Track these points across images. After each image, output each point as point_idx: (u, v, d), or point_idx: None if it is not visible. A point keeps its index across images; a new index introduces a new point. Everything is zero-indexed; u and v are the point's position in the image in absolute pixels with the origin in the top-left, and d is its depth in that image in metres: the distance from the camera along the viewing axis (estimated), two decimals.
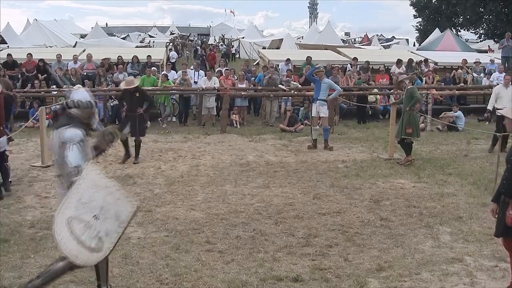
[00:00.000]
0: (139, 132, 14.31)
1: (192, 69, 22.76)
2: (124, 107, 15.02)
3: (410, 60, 24.17)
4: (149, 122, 19.74)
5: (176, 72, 24.28)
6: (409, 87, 14.07)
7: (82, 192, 5.82)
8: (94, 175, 6.00)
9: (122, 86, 15.06)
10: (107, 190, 6.00)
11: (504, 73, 22.18)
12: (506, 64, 25.41)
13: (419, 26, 68.05)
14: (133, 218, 6.39)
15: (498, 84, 21.32)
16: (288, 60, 24.10)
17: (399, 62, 23.53)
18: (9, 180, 11.57)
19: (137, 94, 14.31)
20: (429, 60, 25.30)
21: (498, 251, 8.04)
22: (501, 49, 26.62)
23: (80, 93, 6.64)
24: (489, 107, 15.55)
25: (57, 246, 5.59)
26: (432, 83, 23.01)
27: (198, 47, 55.07)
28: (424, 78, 23.05)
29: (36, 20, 43.88)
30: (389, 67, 24.42)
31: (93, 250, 5.74)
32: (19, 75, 22.15)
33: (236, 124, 20.11)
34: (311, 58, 23.10)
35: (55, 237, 5.54)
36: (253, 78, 22.67)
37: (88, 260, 5.77)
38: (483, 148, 15.57)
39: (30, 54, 23.25)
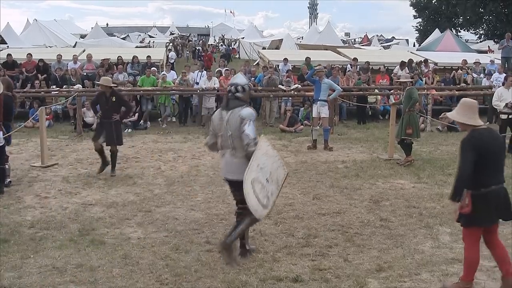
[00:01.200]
0: (115, 141, 12.96)
1: (196, 71, 22.79)
2: (98, 112, 13.18)
3: (410, 61, 24.16)
4: (149, 123, 19.81)
5: (176, 73, 24.24)
6: (408, 87, 14.09)
7: (259, 158, 7.23)
8: (265, 146, 7.52)
9: (99, 83, 13.50)
10: (273, 158, 7.54)
11: (504, 74, 22.23)
12: (506, 65, 25.43)
13: (419, 27, 68.10)
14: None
15: (497, 85, 21.42)
16: (286, 60, 24.10)
17: (403, 64, 23.47)
18: (9, 180, 11.58)
19: (114, 99, 12.84)
20: (429, 61, 25.30)
21: None
22: (501, 50, 26.65)
23: (241, 79, 8.16)
24: (499, 106, 15.20)
25: (247, 201, 6.89)
26: (432, 83, 23.02)
27: (199, 48, 55.02)
28: (424, 79, 23.04)
29: (36, 20, 43.88)
30: (389, 67, 24.44)
31: (265, 206, 7.11)
32: (19, 75, 22.15)
33: None
34: (310, 59, 23.15)
35: (246, 195, 6.89)
36: (252, 78, 22.64)
37: (262, 214, 7.14)
38: None
39: (30, 54, 23.25)
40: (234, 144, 7.60)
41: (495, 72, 22.97)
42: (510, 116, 14.45)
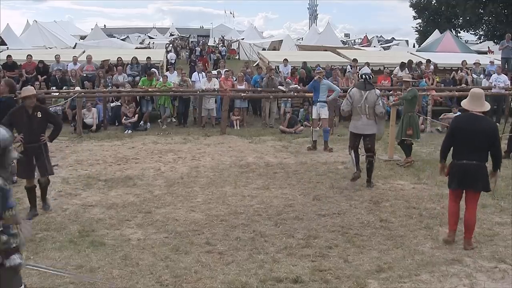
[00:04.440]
0: (47, 169, 10.22)
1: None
2: (18, 135, 9.86)
3: (410, 62, 24.15)
4: (149, 124, 19.79)
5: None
6: (409, 88, 14.10)
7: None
8: None
9: (21, 95, 10.19)
10: None
11: (503, 75, 22.24)
12: (506, 66, 25.41)
13: (419, 28, 68.15)
14: None
15: (497, 85, 21.46)
16: (286, 60, 24.11)
17: (403, 66, 23.46)
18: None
19: (39, 115, 9.97)
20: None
21: (497, 252, 8.09)
22: (501, 50, 26.63)
23: (367, 69, 12.50)
24: None
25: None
26: (432, 84, 23.01)
27: (197, 48, 54.93)
28: (424, 79, 23.02)
29: (36, 21, 43.92)
30: (389, 68, 24.42)
31: None
32: (19, 77, 22.13)
33: (236, 125, 20.14)
34: (306, 63, 23.24)
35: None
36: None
37: None
38: None
39: (30, 55, 23.23)
40: (369, 111, 11.72)
41: (494, 73, 22.94)
42: None
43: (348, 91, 12.41)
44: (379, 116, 11.83)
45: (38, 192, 10.27)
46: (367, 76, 12.06)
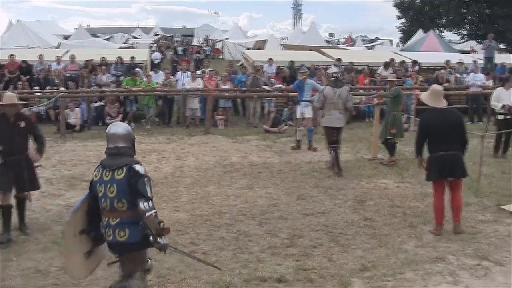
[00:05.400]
0: (29, 186, 9.14)
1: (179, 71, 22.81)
2: None
3: (392, 60, 24.30)
4: (133, 124, 19.71)
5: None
6: (393, 87, 14.16)
7: None
8: None
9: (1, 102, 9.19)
10: None
11: (480, 73, 22.45)
12: (489, 65, 25.58)
13: (403, 27, 68.29)
14: None
15: (475, 84, 21.62)
16: (271, 60, 24.13)
17: (387, 65, 23.58)
18: None
19: (22, 124, 9.01)
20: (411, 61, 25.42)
21: (480, 250, 8.16)
22: (484, 50, 26.81)
23: (335, 69, 13.29)
24: (497, 106, 15.07)
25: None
26: (415, 83, 23.10)
27: (181, 48, 54.70)
28: (408, 79, 23.11)
29: (19, 21, 43.58)
30: (373, 68, 24.54)
31: None
32: (2, 77, 21.99)
33: (220, 125, 20.13)
34: (293, 63, 23.27)
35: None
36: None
37: None
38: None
39: (12, 55, 23.08)
40: (341, 107, 13.07)
41: (471, 72, 23.07)
42: (507, 117, 14.48)
43: (322, 90, 13.64)
44: (349, 110, 13.63)
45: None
46: (337, 75, 13.76)
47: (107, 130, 6.08)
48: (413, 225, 9.30)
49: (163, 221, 5.69)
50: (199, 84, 20.54)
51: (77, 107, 19.53)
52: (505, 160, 14.30)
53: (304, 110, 15.64)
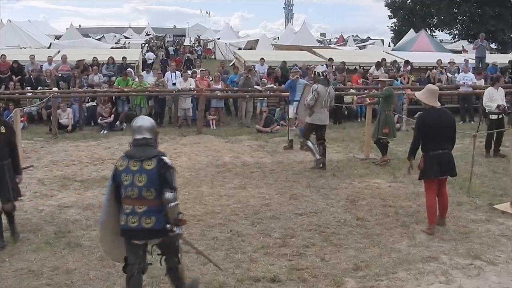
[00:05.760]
0: (11, 192, 8.58)
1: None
2: None
3: (383, 60, 24.34)
4: (125, 124, 19.66)
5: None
6: (385, 87, 14.19)
7: None
8: None
9: None
10: None
11: (470, 73, 22.52)
12: (480, 64, 25.66)
13: (394, 27, 68.52)
14: None
15: (465, 83, 21.68)
16: (262, 60, 24.12)
17: (378, 65, 23.63)
18: None
19: (2, 130, 8.48)
20: (403, 61, 25.45)
21: (473, 249, 8.18)
22: (475, 50, 26.87)
23: (321, 67, 15.34)
24: (491, 106, 15.04)
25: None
26: (407, 83, 23.16)
27: (172, 48, 54.69)
28: (399, 79, 23.15)
29: (10, 21, 43.40)
30: (364, 67, 24.58)
31: None
32: None
33: (213, 125, 20.12)
34: (286, 63, 23.28)
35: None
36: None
37: None
38: (457, 148, 15.62)
39: (4, 55, 22.92)
40: (329, 104, 13.63)
41: (461, 72, 23.12)
42: (499, 116, 14.55)
43: (314, 88, 13.60)
44: (332, 107, 14.28)
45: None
46: (326, 74, 14.46)
47: (133, 123, 6.48)
48: (406, 225, 9.32)
49: (182, 213, 6.18)
50: (191, 84, 20.51)
51: (69, 107, 19.47)
52: (497, 159, 14.35)
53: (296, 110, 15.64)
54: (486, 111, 14.85)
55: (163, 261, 6.50)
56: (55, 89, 20.53)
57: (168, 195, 6.03)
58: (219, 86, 21.39)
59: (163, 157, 6.24)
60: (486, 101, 14.79)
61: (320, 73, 14.48)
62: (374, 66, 23.79)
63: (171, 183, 6.11)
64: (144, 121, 6.51)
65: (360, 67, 24.57)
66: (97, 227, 7.88)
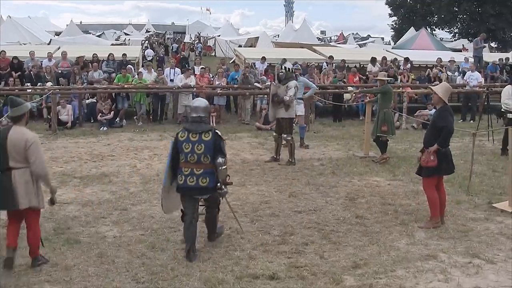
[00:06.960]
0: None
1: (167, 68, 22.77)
2: None
3: (384, 58, 24.34)
4: (124, 121, 19.66)
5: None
6: (384, 85, 14.19)
7: None
8: None
9: None
10: None
11: (476, 72, 22.48)
12: (478, 63, 25.66)
13: (395, 25, 68.54)
14: None
15: (471, 82, 21.64)
16: (263, 58, 24.09)
17: (373, 61, 23.66)
18: None
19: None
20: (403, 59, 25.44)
21: (472, 247, 8.18)
22: (476, 49, 26.83)
23: (289, 64, 14.67)
24: (509, 104, 14.89)
25: None
26: (407, 81, 23.16)
27: (173, 45, 54.64)
28: (399, 77, 23.15)
29: (10, 17, 43.33)
30: (364, 65, 24.58)
31: None
32: None
33: (212, 122, 20.11)
34: (286, 60, 23.23)
35: None
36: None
37: None
38: (456, 146, 15.65)
39: (3, 51, 22.90)
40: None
41: (468, 70, 23.14)
42: None
43: (294, 84, 13.96)
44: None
45: None
46: (283, 70, 14.45)
47: (191, 103, 8.70)
48: (405, 223, 9.32)
49: (229, 175, 8.04)
50: (192, 81, 20.49)
51: (68, 104, 19.45)
52: (497, 158, 14.34)
53: (296, 108, 15.59)
54: (502, 110, 14.68)
55: (204, 210, 8.16)
56: (49, 84, 20.49)
57: (220, 160, 7.70)
58: (223, 83, 21.38)
59: (217, 131, 7.96)
60: (505, 99, 14.57)
61: (290, 68, 14.61)
62: (370, 63, 23.84)
63: (224, 150, 7.84)
64: (200, 102, 8.21)
65: (360, 65, 24.57)
66: (160, 189, 9.06)
